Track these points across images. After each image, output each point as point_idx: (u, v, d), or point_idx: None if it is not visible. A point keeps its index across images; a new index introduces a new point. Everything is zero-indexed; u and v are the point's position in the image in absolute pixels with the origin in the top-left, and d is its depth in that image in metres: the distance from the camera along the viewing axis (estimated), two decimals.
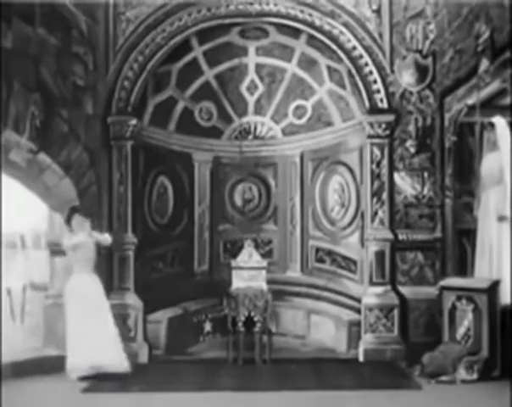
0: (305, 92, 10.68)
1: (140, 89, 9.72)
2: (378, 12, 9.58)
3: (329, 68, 10.19)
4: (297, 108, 10.83)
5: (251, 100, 10.97)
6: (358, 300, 9.62)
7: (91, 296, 8.17)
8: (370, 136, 9.58)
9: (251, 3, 9.64)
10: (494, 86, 8.03)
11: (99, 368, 7.92)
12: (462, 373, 7.66)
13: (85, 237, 8.30)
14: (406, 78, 9.56)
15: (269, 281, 9.40)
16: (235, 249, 10.48)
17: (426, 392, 7.44)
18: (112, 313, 8.31)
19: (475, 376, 7.65)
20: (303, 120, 10.85)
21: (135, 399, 7.25)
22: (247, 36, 10.28)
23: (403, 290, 9.41)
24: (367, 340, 9.37)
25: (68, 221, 8.43)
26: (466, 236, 9.19)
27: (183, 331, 10.03)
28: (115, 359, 8.02)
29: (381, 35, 9.58)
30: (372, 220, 9.54)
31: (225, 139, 11.14)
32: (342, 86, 10.16)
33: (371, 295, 9.43)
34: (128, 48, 9.62)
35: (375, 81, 9.57)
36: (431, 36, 9.49)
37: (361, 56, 9.57)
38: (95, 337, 7.93)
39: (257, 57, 10.56)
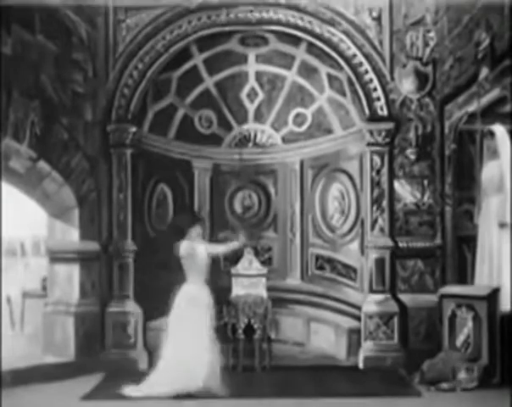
0: (305, 100, 10.68)
1: (140, 96, 9.74)
2: (378, 19, 9.60)
3: (329, 75, 10.19)
4: (297, 115, 10.83)
5: (251, 108, 10.96)
6: (358, 308, 9.60)
7: (193, 311, 7.66)
8: (369, 144, 9.58)
9: (251, 11, 9.67)
10: (494, 93, 8.03)
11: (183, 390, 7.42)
12: (462, 380, 7.65)
13: (200, 247, 7.84)
14: (406, 85, 9.57)
15: (269, 289, 9.41)
16: (235, 256, 10.46)
17: (426, 399, 7.43)
18: (213, 333, 7.74)
19: (474, 383, 7.64)
20: (303, 128, 10.84)
21: None
22: (248, 44, 10.28)
23: (403, 297, 9.40)
24: (367, 347, 9.36)
25: (187, 230, 7.95)
26: (466, 243, 9.18)
27: None
28: (208, 384, 7.45)
29: (381, 42, 9.59)
30: (372, 228, 9.54)
31: (224, 147, 11.12)
32: (342, 94, 10.16)
33: (371, 302, 9.42)
34: (128, 56, 9.64)
35: (375, 89, 9.58)
36: (432, 44, 9.51)
37: (361, 63, 9.58)
38: (187, 359, 7.44)
39: (257, 64, 10.56)
